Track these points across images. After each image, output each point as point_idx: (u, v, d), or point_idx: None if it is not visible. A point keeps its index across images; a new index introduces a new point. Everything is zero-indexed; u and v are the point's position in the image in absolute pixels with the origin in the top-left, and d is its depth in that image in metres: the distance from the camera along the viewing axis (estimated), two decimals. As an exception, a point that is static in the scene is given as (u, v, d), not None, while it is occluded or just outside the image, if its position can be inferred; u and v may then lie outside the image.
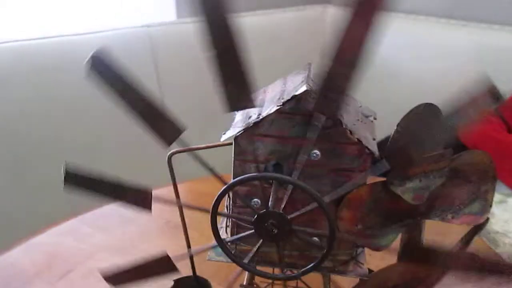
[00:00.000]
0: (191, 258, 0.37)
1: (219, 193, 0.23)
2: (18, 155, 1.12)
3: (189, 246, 0.39)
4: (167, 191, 0.63)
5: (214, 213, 0.24)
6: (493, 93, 0.20)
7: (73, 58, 1.22)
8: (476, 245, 0.67)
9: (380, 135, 0.33)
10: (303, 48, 1.61)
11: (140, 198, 0.26)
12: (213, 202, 0.24)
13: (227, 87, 0.21)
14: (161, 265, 0.29)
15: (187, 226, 0.39)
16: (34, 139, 1.15)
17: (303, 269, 0.26)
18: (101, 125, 1.23)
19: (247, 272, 0.34)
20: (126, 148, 1.21)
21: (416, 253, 0.24)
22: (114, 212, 0.69)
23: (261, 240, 0.25)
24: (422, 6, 1.58)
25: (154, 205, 0.29)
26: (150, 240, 0.66)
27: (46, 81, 1.14)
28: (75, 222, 0.69)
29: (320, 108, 0.21)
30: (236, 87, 0.21)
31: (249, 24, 1.56)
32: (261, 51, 0.25)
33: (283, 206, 0.24)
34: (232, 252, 0.27)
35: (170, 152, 0.36)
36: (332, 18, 1.69)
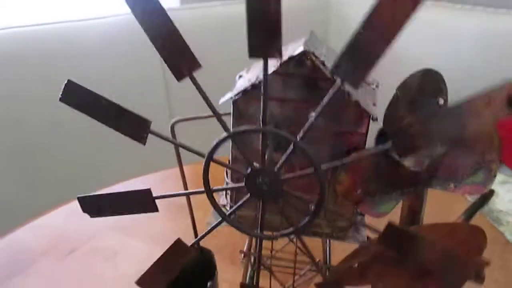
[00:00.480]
0: (194, 227, 0.37)
1: (217, 140, 0.23)
2: (21, 140, 1.13)
3: (193, 222, 0.39)
4: (172, 172, 0.63)
5: (208, 159, 0.24)
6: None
7: (78, 44, 1.22)
8: (477, 221, 0.67)
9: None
10: (306, 33, 1.60)
11: (136, 128, 0.25)
12: (210, 149, 0.23)
13: (256, 32, 0.20)
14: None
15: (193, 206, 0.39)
16: (37, 124, 1.16)
17: (282, 232, 0.25)
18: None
19: (246, 240, 0.34)
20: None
21: (395, 238, 0.24)
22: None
23: (248, 195, 0.25)
24: (430, -9, 1.56)
25: (156, 187, 0.29)
26: (153, 220, 0.66)
27: (49, 66, 1.14)
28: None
29: (342, 74, 0.21)
30: (265, 34, 0.20)
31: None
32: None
33: (278, 166, 0.24)
34: (231, 218, 0.27)
35: (173, 121, 0.36)
36: (336, 2, 1.68)
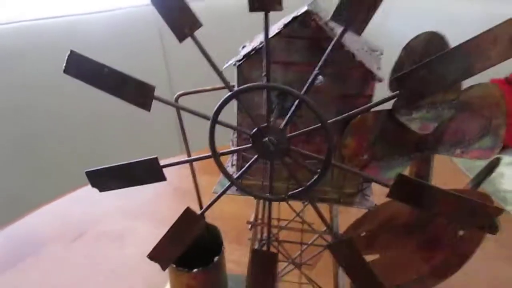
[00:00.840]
0: (198, 196, 0.37)
1: (222, 99, 0.23)
2: (25, 131, 1.14)
3: (200, 202, 0.39)
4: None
5: (214, 121, 0.24)
6: None
7: (82, 37, 1.23)
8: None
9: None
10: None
11: (140, 95, 0.25)
12: (215, 109, 0.23)
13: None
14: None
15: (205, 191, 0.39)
16: (40, 116, 1.16)
17: (292, 191, 0.25)
18: (107, 101, 1.24)
19: (254, 211, 0.34)
20: (133, 124, 1.22)
21: (406, 189, 0.24)
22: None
23: (256, 156, 0.25)
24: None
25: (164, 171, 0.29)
26: (158, 205, 0.66)
27: (54, 59, 1.15)
28: (85, 189, 0.70)
29: (344, 21, 0.21)
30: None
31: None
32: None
33: (284, 122, 0.24)
34: (238, 184, 0.27)
35: (177, 94, 0.36)
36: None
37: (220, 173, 0.28)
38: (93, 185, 0.30)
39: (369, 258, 0.34)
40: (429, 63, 0.21)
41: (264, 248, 0.30)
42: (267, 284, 0.30)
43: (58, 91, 1.18)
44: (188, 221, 0.30)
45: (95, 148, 1.24)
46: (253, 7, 0.21)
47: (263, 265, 0.29)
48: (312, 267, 0.39)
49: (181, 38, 0.23)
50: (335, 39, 0.22)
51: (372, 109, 0.28)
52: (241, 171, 0.27)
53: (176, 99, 0.35)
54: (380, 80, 0.27)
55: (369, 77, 0.27)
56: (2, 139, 1.09)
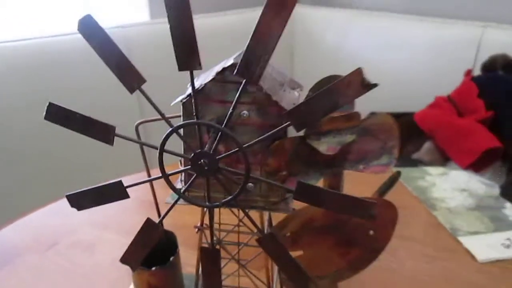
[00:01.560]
0: (158, 208, 0.45)
1: (165, 134, 0.31)
2: (12, 146, 1.19)
3: (158, 212, 0.47)
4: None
5: (161, 150, 0.31)
6: (363, 79, 0.28)
7: (57, 56, 1.29)
8: (416, 207, 0.76)
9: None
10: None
11: (104, 133, 0.33)
12: (161, 141, 0.31)
13: (179, 51, 0.29)
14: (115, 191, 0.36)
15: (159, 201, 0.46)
16: (26, 132, 1.21)
17: (224, 200, 0.33)
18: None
19: (200, 217, 0.42)
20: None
21: (306, 193, 0.32)
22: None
23: (195, 175, 0.33)
24: (383, 3, 1.68)
25: (133, 189, 0.36)
26: (124, 217, 0.73)
27: (33, 78, 1.21)
28: (60, 203, 0.76)
29: (242, 74, 0.29)
30: (186, 50, 0.29)
31: (221, 24, 1.64)
32: (236, 47, 0.33)
33: (213, 147, 0.32)
34: (183, 196, 0.35)
35: (137, 122, 0.43)
36: (300, 16, 1.78)
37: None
38: (72, 206, 0.37)
39: (295, 254, 0.42)
40: (308, 101, 0.29)
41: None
42: (215, 274, 0.38)
43: (31, 110, 1.23)
44: (149, 229, 0.37)
45: (70, 163, 1.28)
46: (181, 68, 0.29)
47: (210, 259, 0.37)
48: (251, 263, 0.46)
49: (131, 91, 0.31)
50: (240, 87, 0.30)
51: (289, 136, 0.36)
52: (185, 186, 0.35)
53: (136, 127, 0.42)
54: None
55: (283, 112, 0.35)
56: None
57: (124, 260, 0.38)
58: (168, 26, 0.30)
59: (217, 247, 0.38)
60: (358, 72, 0.28)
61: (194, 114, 0.31)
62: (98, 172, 1.03)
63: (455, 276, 0.60)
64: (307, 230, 0.42)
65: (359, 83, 0.28)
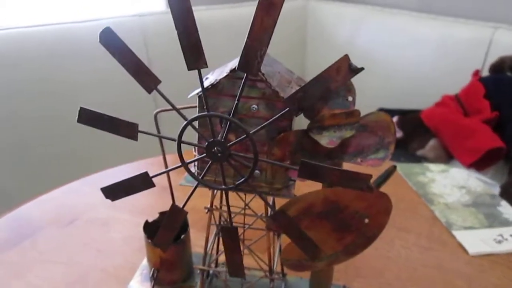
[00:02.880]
0: (170, 186, 0.49)
1: (181, 127, 0.35)
2: (20, 134, 1.24)
3: (173, 198, 0.51)
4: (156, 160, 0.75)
5: (179, 141, 0.36)
6: (350, 65, 0.32)
7: (71, 44, 1.33)
8: (415, 201, 0.80)
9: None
10: (286, 39, 1.72)
11: (129, 131, 0.37)
12: (178, 133, 0.35)
13: (187, 53, 0.33)
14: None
15: (173, 189, 0.51)
16: (33, 120, 1.26)
17: (238, 182, 0.38)
18: (98, 107, 1.34)
19: (209, 198, 0.46)
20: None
21: (308, 170, 0.36)
22: (110, 176, 0.81)
23: (210, 161, 0.37)
24: (396, 0, 1.70)
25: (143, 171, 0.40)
26: (141, 198, 0.77)
27: (42, 66, 1.25)
28: (77, 183, 0.81)
29: (243, 69, 0.34)
30: (193, 52, 0.33)
31: (234, 15, 1.67)
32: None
33: (224, 135, 0.36)
34: (202, 181, 0.39)
35: (156, 111, 0.47)
36: (313, 10, 1.80)
37: (185, 172, 0.40)
38: (107, 197, 0.42)
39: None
40: (304, 87, 0.33)
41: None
42: (236, 247, 0.42)
43: (49, 95, 1.28)
44: (175, 214, 0.41)
45: (87, 148, 1.33)
46: (189, 68, 0.33)
47: (230, 235, 0.41)
48: (255, 246, 0.51)
49: (149, 91, 0.35)
50: (242, 82, 0.34)
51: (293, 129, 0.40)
52: (203, 173, 0.39)
53: (155, 116, 0.46)
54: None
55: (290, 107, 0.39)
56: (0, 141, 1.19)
57: (156, 242, 0.43)
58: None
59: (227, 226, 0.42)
60: (345, 58, 0.32)
61: (206, 108, 0.35)
62: (103, 158, 1.08)
63: (446, 266, 0.64)
64: (307, 215, 0.46)
65: (346, 68, 0.32)
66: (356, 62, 0.44)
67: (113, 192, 0.41)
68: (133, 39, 1.42)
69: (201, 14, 1.49)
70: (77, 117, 0.36)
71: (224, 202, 0.46)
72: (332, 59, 0.33)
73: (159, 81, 0.36)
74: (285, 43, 1.72)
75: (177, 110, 0.37)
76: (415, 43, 1.54)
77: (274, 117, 0.36)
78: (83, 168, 0.89)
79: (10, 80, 1.20)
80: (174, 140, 0.36)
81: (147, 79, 0.35)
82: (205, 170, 0.39)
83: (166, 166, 0.49)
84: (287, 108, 0.35)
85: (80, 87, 1.31)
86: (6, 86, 1.19)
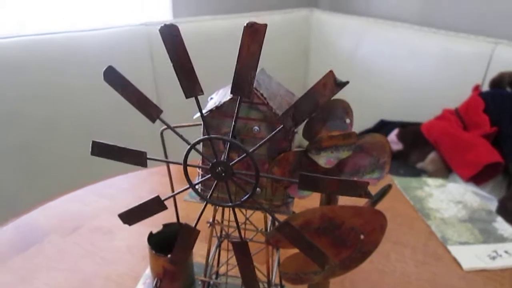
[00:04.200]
0: (176, 207, 0.51)
1: (186, 150, 0.37)
2: (23, 138, 1.26)
3: (174, 200, 0.53)
4: (158, 169, 0.77)
5: (185, 165, 0.38)
6: (336, 80, 0.34)
7: (78, 52, 1.35)
8: (411, 216, 0.81)
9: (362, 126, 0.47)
10: (289, 49, 1.75)
11: (138, 158, 0.39)
12: (183, 157, 0.38)
13: (183, 82, 0.35)
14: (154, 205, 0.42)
15: (177, 198, 0.52)
16: (39, 124, 1.28)
17: (243, 198, 0.39)
18: (99, 113, 1.37)
19: (212, 213, 0.48)
20: (121, 134, 1.35)
21: (308, 181, 0.38)
22: (114, 184, 0.83)
23: (215, 181, 0.39)
24: (398, 13, 1.72)
25: (147, 182, 0.43)
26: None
27: (50, 72, 1.28)
28: (82, 191, 0.83)
29: (235, 92, 0.36)
30: (188, 80, 0.35)
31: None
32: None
33: (226, 156, 0.38)
34: (209, 200, 0.41)
35: (162, 128, 0.49)
36: (317, 20, 1.82)
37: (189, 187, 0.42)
38: (124, 222, 0.44)
39: (294, 251, 0.48)
40: (295, 104, 0.36)
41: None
42: (249, 260, 0.44)
43: (55, 101, 1.30)
44: (188, 233, 0.43)
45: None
46: (187, 96, 0.36)
47: (241, 250, 0.43)
48: (254, 258, 0.52)
49: (152, 120, 0.37)
50: (236, 103, 0.36)
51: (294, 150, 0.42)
52: (210, 192, 0.41)
53: (161, 132, 0.48)
54: (295, 132, 0.41)
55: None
56: (4, 145, 1.21)
57: (172, 260, 0.45)
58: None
59: (225, 240, 0.44)
60: (330, 73, 0.34)
61: (206, 132, 0.37)
62: (105, 161, 1.10)
63: (440, 281, 0.65)
64: (305, 230, 0.48)
65: (332, 83, 0.34)
66: (358, 73, 0.46)
67: (129, 217, 0.43)
68: (139, 48, 1.45)
69: (206, 24, 1.51)
70: (90, 150, 0.39)
71: (225, 217, 0.47)
72: (335, 69, 0.35)
73: (160, 111, 0.38)
74: (288, 53, 1.75)
75: (181, 136, 0.39)
76: (417, 56, 1.56)
77: (271, 134, 0.38)
78: (85, 172, 0.90)
79: (14, 86, 1.22)
80: (180, 164, 0.38)
81: (150, 110, 0.38)
82: (211, 190, 0.41)
83: (173, 190, 0.51)
84: (282, 125, 0.37)
85: (89, 93, 1.33)
86: (9, 91, 1.22)
